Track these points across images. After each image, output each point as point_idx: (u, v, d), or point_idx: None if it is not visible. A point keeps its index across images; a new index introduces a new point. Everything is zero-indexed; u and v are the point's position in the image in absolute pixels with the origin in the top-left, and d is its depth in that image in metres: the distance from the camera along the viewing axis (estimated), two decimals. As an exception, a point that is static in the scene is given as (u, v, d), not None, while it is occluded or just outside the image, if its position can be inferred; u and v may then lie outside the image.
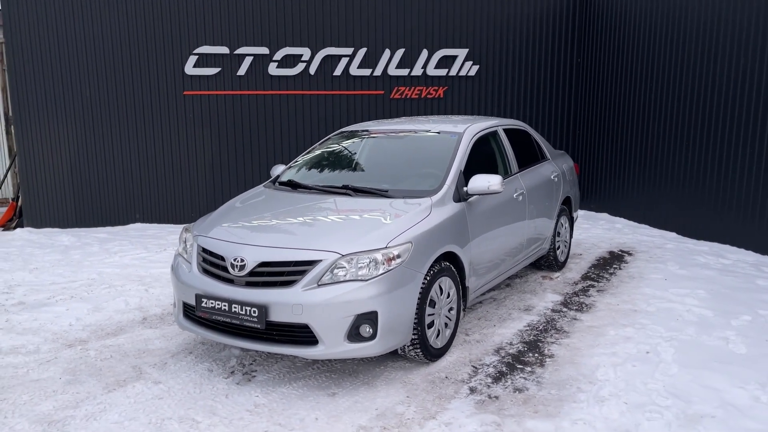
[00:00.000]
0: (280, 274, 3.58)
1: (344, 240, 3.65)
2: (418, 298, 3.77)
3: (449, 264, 4.12)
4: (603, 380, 3.75)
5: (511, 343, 4.41)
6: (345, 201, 4.23)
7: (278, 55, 8.64)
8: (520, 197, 5.16)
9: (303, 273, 3.55)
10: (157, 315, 5.12)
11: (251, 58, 8.58)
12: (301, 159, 5.20)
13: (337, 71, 8.80)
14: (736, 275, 5.92)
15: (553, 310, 5.12)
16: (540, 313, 5.06)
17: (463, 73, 9.15)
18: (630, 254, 6.93)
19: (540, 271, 6.23)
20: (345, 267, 3.55)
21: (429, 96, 9.12)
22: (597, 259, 6.75)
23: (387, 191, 4.30)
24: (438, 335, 4.04)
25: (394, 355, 4.12)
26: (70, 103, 8.53)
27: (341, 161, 5.05)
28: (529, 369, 3.96)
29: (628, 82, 8.52)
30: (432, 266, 3.92)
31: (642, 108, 8.26)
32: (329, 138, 5.38)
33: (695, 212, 7.49)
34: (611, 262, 6.63)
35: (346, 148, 5.15)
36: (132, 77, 8.51)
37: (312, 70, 8.72)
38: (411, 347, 3.85)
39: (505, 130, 5.46)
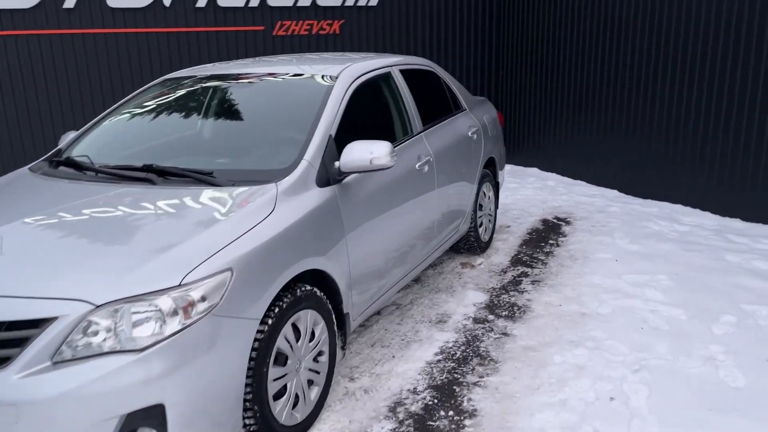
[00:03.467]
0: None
1: (103, 276, 2.06)
2: (251, 360, 2.26)
3: (312, 288, 2.60)
4: (552, 465, 2.39)
5: (414, 391, 2.98)
6: (140, 195, 2.60)
7: (122, -18, 6.66)
8: (426, 167, 3.66)
9: (22, 343, 1.95)
10: None
11: (85, -14, 6.56)
12: (99, 122, 3.47)
13: (201, 2, 6.91)
14: (700, 249, 4.71)
15: (475, 320, 3.73)
16: (458, 326, 3.65)
17: (362, 2, 7.46)
18: (568, 222, 5.64)
19: (459, 256, 4.83)
20: (103, 327, 1.98)
21: (322, 32, 7.41)
22: (529, 232, 5.41)
23: (212, 174, 2.69)
24: (296, 404, 2.55)
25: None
26: None
27: (155, 126, 3.37)
28: (439, 446, 2.56)
29: (561, 14, 7.09)
30: (277, 300, 2.40)
31: (577, 45, 6.87)
32: (146, 89, 3.66)
33: (640, 167, 6.26)
34: (546, 235, 5.31)
35: (166, 105, 3.46)
36: None
37: (167, 0, 6.80)
38: (246, 436, 2.35)
39: (404, 72, 3.91)
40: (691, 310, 3.71)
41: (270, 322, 2.33)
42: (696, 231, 5.17)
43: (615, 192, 6.60)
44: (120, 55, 6.81)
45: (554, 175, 7.49)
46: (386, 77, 3.68)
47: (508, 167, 8.04)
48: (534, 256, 4.82)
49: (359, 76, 3.36)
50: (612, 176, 6.65)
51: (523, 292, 4.14)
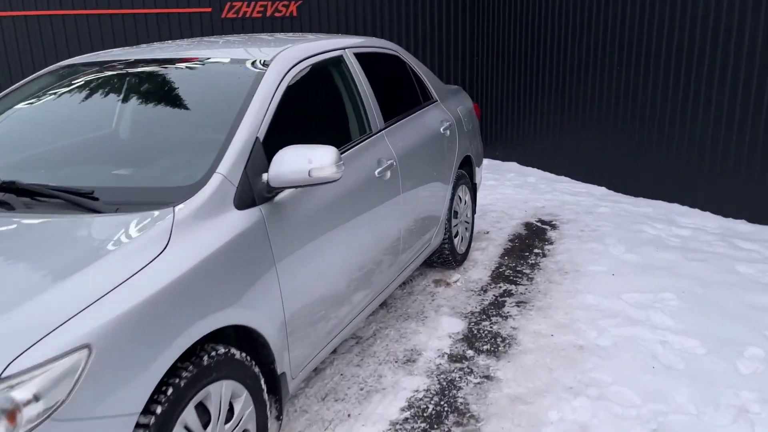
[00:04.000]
0: None
1: None
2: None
3: (227, 349, 1.91)
4: None
5: (374, 469, 2.31)
6: (-11, 225, 1.87)
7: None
8: (388, 173, 2.97)
9: None
10: None
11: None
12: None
13: (139, -20, 6.11)
14: (706, 258, 4.11)
15: (451, 358, 3.07)
16: (430, 367, 2.99)
17: (322, -19, 6.72)
18: (554, 226, 5.01)
19: (432, 272, 4.16)
20: None
21: (277, 14, 6.65)
22: (510, 239, 4.76)
23: (91, 194, 1.97)
24: None
25: None
26: None
27: (35, 127, 2.61)
28: None
29: (538, -12, 6.43)
30: (170, 377, 1.70)
31: (560, 25, 6.22)
32: (34, 79, 2.89)
33: (631, 162, 5.65)
34: (531, 242, 4.67)
35: (53, 99, 2.71)
36: None
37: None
38: None
39: (361, 57, 3.21)
40: (708, 340, 3.09)
41: (159, 411, 1.63)
42: (698, 235, 4.57)
43: (603, 189, 6.00)
44: (57, 39, 5.98)
45: (535, 170, 6.86)
46: (337, 62, 2.97)
47: (484, 162, 7.39)
48: (518, 269, 4.17)
49: (300, 61, 2.64)
50: (599, 172, 6.04)
51: (507, 317, 3.49)
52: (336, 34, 3.32)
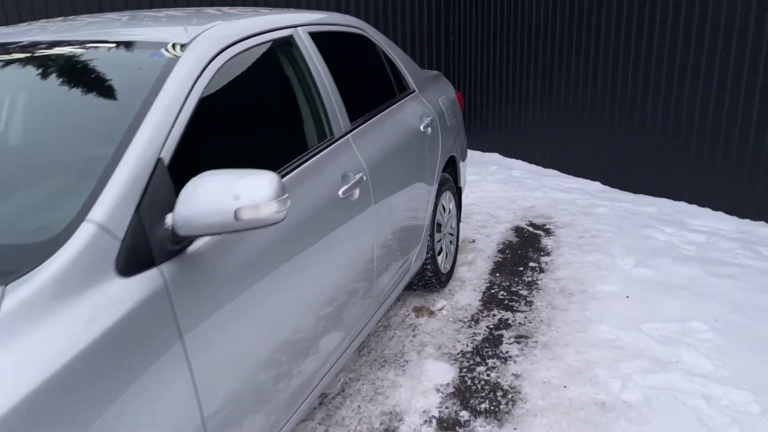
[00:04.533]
0: None
1: None
2: None
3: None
4: None
5: None
6: None
7: None
8: (357, 191, 2.26)
9: None
10: None
11: None
12: None
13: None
14: (733, 273, 3.51)
15: (441, 424, 2.40)
16: (415, 442, 2.32)
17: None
18: (548, 232, 4.36)
19: (412, 296, 3.48)
20: None
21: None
22: (501, 249, 4.11)
23: None
24: None
25: None
26: None
27: None
28: None
29: (522, -41, 5.72)
30: None
31: (546, 1, 5.54)
32: None
33: (629, 153, 5.03)
34: (524, 253, 4.02)
35: None
36: None
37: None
38: None
39: (317, 38, 2.47)
40: (761, 392, 2.48)
41: None
42: (716, 242, 3.97)
43: (597, 185, 5.37)
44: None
45: (520, 162, 6.20)
46: (285, 45, 2.23)
47: (463, 153, 6.72)
48: (513, 290, 3.52)
49: (230, 45, 1.90)
50: (592, 165, 5.41)
51: (506, 358, 2.83)
52: (281, 9, 2.56)
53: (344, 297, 2.17)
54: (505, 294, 3.47)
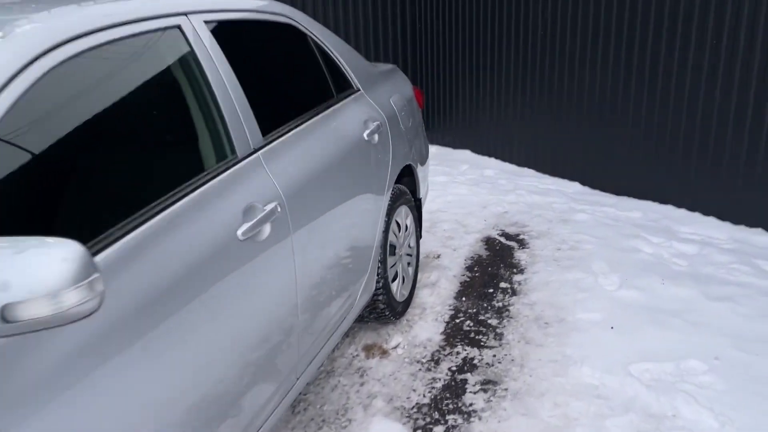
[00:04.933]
0: None
1: None
2: None
3: None
4: None
5: None
6: None
7: None
8: (267, 228, 1.74)
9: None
10: None
11: None
12: None
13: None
14: (732, 293, 3.06)
15: None
16: None
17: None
18: (522, 243, 3.89)
19: (363, 331, 2.98)
20: None
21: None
22: (468, 266, 3.63)
23: None
24: None
25: None
26: None
27: None
28: None
29: (491, -63, 5.20)
30: None
31: (516, -20, 5.02)
32: None
33: (611, 152, 4.57)
34: (495, 270, 3.54)
35: None
36: None
37: None
38: None
39: (219, 27, 1.93)
40: (778, 460, 2.02)
41: None
42: (709, 254, 3.53)
43: (576, 186, 4.91)
44: None
45: (493, 160, 5.72)
46: (167, 40, 1.70)
47: (432, 150, 6.23)
48: (481, 318, 3.04)
49: (72, 40, 1.37)
50: (571, 163, 4.94)
51: (470, 414, 2.36)
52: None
53: (256, 358, 1.67)
54: (471, 324, 2.99)
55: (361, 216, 2.43)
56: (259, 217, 1.69)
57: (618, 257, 3.54)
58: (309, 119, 2.22)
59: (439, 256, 3.76)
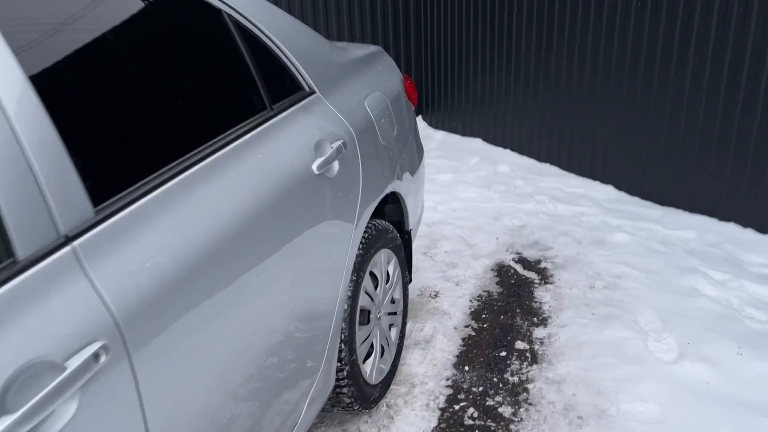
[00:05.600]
0: None
1: None
2: None
3: None
4: None
5: None
6: None
7: None
8: (102, 359, 0.90)
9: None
10: None
11: None
12: None
13: None
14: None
15: None
16: None
17: None
18: (544, 275, 3.04)
19: (326, 424, 2.16)
20: None
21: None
22: (474, 312, 2.78)
23: None
24: None
25: None
26: None
27: None
28: None
29: None
30: None
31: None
32: None
33: (652, 150, 3.66)
34: (508, 321, 2.69)
35: None
36: None
37: None
38: None
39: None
40: None
41: None
42: (795, 303, 2.65)
43: (610, 190, 4.01)
44: None
45: (509, 153, 4.81)
46: None
47: (438, 136, 5.35)
48: (488, 404, 2.20)
49: None
50: (603, 162, 4.04)
51: None
52: None
53: None
54: (475, 414, 2.16)
55: (307, 288, 1.58)
56: (83, 360, 0.85)
57: (672, 304, 2.68)
58: (221, 147, 1.36)
59: (437, 295, 2.91)
